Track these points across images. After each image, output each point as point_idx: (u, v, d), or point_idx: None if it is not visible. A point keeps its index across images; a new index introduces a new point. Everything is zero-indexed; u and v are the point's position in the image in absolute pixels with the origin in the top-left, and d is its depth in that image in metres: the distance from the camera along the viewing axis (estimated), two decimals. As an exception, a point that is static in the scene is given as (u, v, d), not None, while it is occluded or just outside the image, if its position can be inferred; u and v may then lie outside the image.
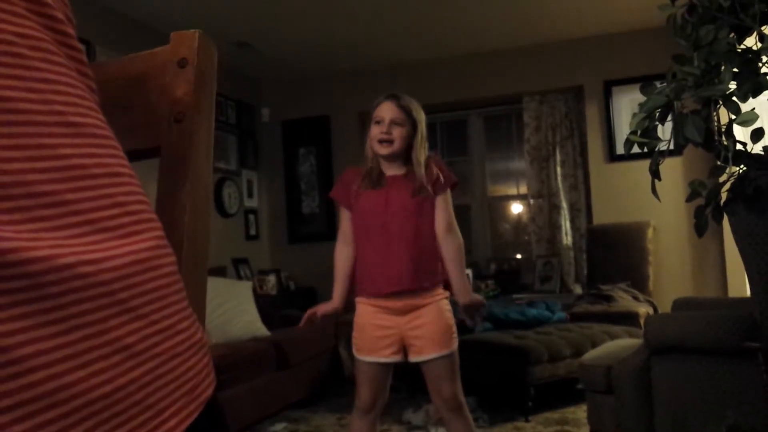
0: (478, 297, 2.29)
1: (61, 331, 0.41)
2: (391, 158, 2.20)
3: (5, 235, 0.39)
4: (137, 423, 0.44)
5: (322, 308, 2.31)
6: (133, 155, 0.62)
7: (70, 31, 0.53)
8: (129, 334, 0.46)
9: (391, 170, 2.22)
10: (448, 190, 2.23)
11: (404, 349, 2.18)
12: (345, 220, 2.33)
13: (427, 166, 2.20)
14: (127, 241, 0.49)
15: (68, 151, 0.47)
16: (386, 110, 2.20)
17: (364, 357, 2.20)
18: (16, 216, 0.41)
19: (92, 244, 0.45)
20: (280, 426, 3.68)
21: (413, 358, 2.17)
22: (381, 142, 2.17)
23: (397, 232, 2.15)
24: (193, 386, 0.51)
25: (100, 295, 0.44)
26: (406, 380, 3.75)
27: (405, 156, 2.21)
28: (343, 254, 2.33)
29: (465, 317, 2.27)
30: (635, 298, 4.51)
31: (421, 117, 2.24)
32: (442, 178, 2.20)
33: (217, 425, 0.57)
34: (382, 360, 2.17)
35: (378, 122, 2.20)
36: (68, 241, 0.44)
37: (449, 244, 2.20)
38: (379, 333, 2.16)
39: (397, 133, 2.17)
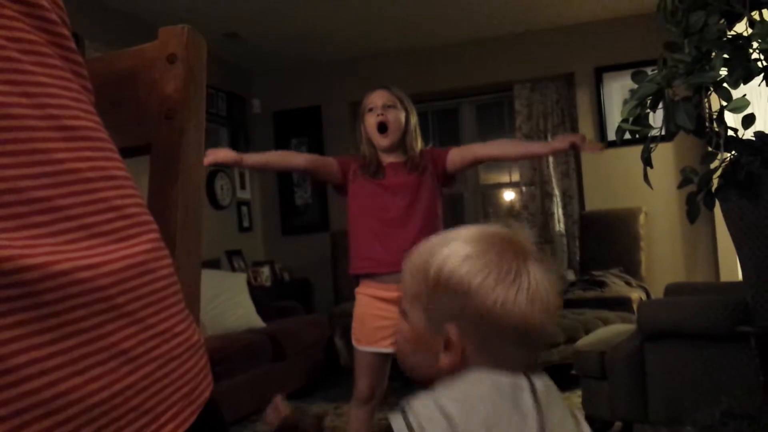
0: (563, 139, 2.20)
1: (57, 338, 0.40)
2: (389, 148, 2.22)
3: (0, 243, 0.39)
4: (135, 428, 0.44)
5: (221, 154, 2.29)
6: (124, 152, 0.61)
7: (65, 32, 0.52)
8: (125, 338, 0.46)
9: (390, 159, 2.26)
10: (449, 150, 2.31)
11: None
12: (325, 159, 2.39)
13: (422, 154, 2.26)
14: (123, 245, 0.48)
15: (62, 155, 0.46)
16: (378, 97, 2.25)
17: (363, 347, 2.20)
18: (11, 223, 0.41)
19: (88, 249, 0.45)
20: (276, 417, 3.68)
21: None
22: (379, 130, 2.20)
23: (396, 216, 2.18)
24: (190, 389, 0.51)
25: (96, 300, 0.44)
26: (402, 369, 3.76)
27: (402, 146, 2.24)
28: (289, 154, 2.38)
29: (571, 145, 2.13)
30: (628, 284, 4.54)
31: (413, 108, 2.30)
32: (438, 154, 2.30)
33: (216, 427, 0.57)
34: (381, 350, 2.18)
35: (371, 109, 2.23)
36: (64, 247, 0.43)
37: (493, 143, 2.31)
38: (378, 323, 2.17)
39: (392, 115, 2.21)
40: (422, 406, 0.72)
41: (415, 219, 2.18)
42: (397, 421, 0.72)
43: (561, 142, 2.18)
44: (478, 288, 0.73)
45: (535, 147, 2.23)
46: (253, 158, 2.39)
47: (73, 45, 0.53)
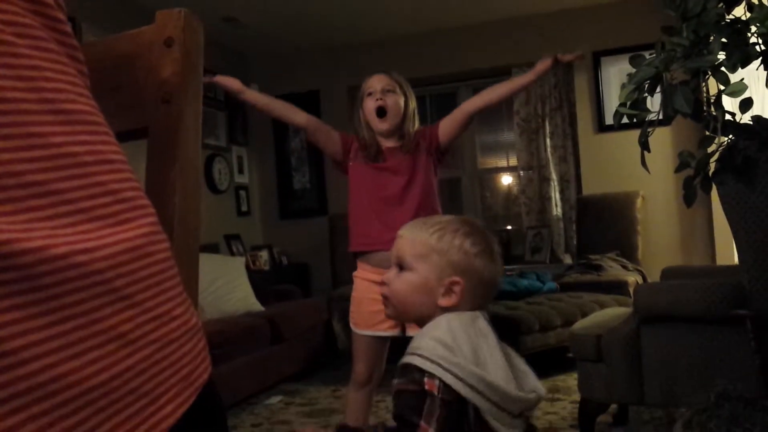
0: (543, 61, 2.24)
1: (55, 322, 0.41)
2: (388, 133, 2.22)
3: None
4: (133, 411, 0.45)
5: (229, 81, 2.36)
6: (121, 136, 0.61)
7: (60, 15, 0.52)
8: (123, 322, 0.46)
9: (388, 143, 2.26)
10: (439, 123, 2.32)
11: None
12: (327, 129, 2.37)
13: (414, 134, 2.28)
14: (120, 229, 0.48)
15: (59, 139, 0.46)
16: (377, 81, 2.24)
17: (361, 331, 2.21)
18: (8, 207, 0.41)
19: (85, 233, 0.45)
20: (275, 399, 3.71)
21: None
22: (378, 114, 2.20)
23: (395, 194, 2.20)
24: (188, 372, 0.51)
25: (94, 284, 0.44)
26: (400, 352, 3.78)
27: (400, 130, 2.25)
28: (292, 107, 2.38)
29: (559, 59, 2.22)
30: (624, 268, 4.55)
31: (411, 93, 2.30)
32: (429, 130, 2.31)
33: (214, 409, 0.57)
34: (379, 334, 2.19)
35: (370, 93, 2.22)
36: (61, 230, 0.43)
37: (479, 93, 2.31)
38: (376, 307, 2.17)
39: (391, 100, 2.21)
40: (423, 342, 1.03)
41: (413, 197, 2.20)
42: (411, 358, 1.01)
43: (543, 63, 2.21)
44: (475, 257, 1.11)
45: (521, 79, 2.24)
46: (255, 95, 2.39)
47: (68, 29, 0.53)
